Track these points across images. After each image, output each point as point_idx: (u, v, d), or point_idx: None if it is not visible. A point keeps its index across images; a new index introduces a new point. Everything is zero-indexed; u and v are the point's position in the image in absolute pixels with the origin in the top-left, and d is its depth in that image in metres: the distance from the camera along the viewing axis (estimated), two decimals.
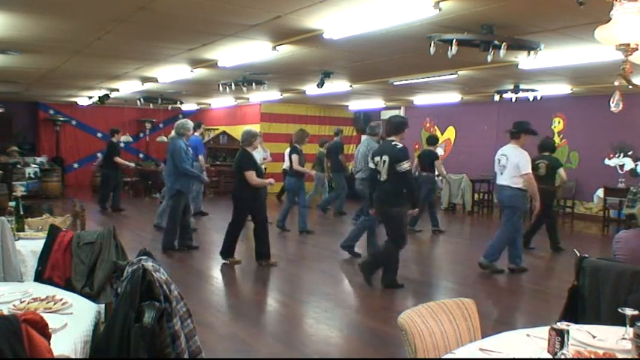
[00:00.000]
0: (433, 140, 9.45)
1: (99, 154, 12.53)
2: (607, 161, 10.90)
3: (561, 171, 7.68)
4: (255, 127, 14.86)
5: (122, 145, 15.89)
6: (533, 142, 7.31)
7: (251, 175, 6.28)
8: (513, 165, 6.18)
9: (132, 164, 12.55)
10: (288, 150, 9.32)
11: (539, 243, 8.67)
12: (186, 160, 7.22)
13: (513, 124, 6.51)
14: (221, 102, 15.25)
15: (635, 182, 9.77)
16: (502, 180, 6.34)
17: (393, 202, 5.51)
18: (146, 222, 9.72)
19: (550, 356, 1.86)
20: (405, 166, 5.38)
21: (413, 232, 8.67)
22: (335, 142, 11.21)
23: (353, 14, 5.14)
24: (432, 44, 5.29)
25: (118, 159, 11.00)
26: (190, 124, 7.54)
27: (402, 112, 15.20)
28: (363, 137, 7.38)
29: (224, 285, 6.00)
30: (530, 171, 6.21)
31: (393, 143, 5.49)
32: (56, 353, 1.77)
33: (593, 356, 1.87)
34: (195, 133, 9.30)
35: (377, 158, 5.61)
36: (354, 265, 6.95)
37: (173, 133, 7.61)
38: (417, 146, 14.44)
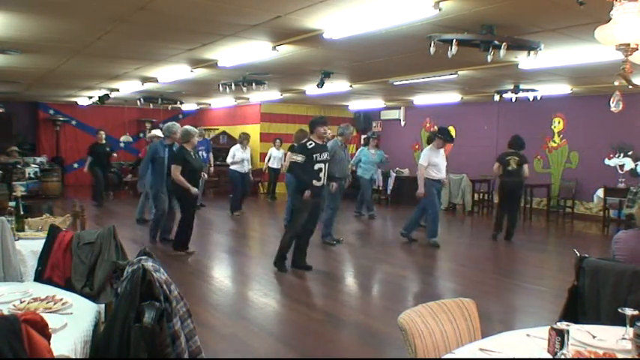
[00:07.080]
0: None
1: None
2: (607, 161, 10.89)
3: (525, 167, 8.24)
4: (256, 127, 14.93)
5: (122, 145, 15.97)
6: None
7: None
8: None
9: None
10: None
11: (538, 243, 8.67)
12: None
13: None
14: (221, 102, 15.25)
15: (635, 182, 9.77)
16: None
17: None
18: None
19: (550, 356, 1.86)
20: None
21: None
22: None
23: (353, 14, 5.14)
24: (432, 44, 5.29)
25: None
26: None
27: (402, 112, 15.23)
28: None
29: (224, 285, 5.99)
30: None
31: None
32: (56, 353, 1.77)
33: (593, 356, 1.87)
34: None
35: None
36: (353, 265, 6.96)
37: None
38: (417, 146, 14.45)
